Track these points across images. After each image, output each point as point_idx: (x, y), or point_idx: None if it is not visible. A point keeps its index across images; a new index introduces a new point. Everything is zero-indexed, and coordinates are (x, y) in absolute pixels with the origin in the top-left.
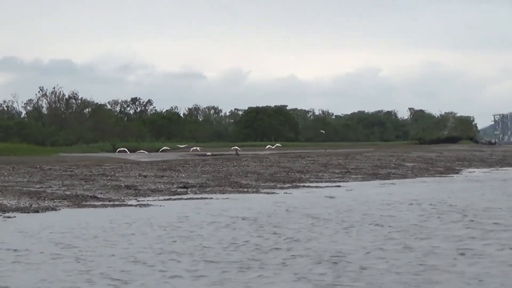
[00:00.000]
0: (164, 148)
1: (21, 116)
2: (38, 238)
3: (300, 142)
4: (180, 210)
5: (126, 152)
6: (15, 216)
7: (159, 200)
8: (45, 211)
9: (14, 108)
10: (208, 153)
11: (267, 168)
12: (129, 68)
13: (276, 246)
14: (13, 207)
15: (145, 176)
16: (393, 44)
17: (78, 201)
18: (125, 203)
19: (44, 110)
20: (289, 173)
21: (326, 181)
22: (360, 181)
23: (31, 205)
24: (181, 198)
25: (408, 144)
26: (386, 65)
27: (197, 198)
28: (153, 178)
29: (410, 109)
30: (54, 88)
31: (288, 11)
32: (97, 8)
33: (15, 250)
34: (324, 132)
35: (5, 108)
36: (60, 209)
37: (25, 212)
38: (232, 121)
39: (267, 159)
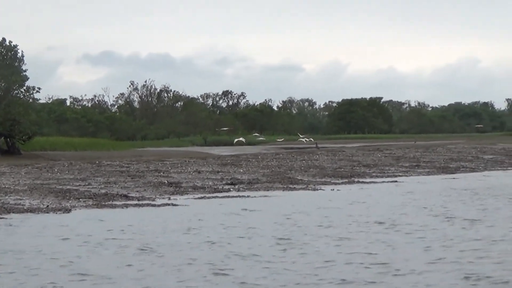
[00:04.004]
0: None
1: (113, 111)
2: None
3: (394, 134)
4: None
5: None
6: (11, 218)
7: (193, 199)
8: (56, 212)
9: (105, 102)
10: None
11: (336, 162)
12: (227, 61)
13: None
14: (26, 207)
15: (199, 172)
16: (494, 35)
17: (103, 200)
18: (152, 202)
19: (136, 104)
20: (354, 168)
21: (388, 176)
22: (425, 175)
23: (48, 206)
24: (216, 197)
25: (503, 136)
26: (486, 56)
27: (232, 197)
28: (207, 174)
29: (507, 100)
30: (145, 81)
31: (388, 2)
32: (198, 2)
33: None
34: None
35: (97, 103)
36: (75, 210)
37: (33, 213)
38: (326, 113)
39: (343, 152)
